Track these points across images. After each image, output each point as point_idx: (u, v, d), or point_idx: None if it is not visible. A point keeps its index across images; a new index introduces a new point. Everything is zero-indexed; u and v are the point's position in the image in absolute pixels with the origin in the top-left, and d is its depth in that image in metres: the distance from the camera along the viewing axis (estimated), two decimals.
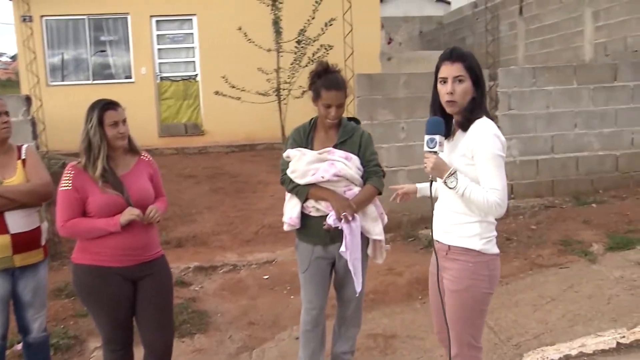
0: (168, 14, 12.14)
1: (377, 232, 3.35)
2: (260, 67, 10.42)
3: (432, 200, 2.78)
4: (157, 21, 12.16)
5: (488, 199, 2.45)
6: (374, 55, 11.59)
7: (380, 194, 3.35)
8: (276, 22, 10.53)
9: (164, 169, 10.39)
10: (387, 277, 5.13)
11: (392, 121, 6.31)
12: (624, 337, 3.81)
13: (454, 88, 2.53)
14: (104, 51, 12.25)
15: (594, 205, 6.53)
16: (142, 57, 12.11)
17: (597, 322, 4.07)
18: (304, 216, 3.30)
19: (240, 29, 10.47)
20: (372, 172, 3.32)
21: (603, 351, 3.70)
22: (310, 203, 3.26)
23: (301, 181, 3.22)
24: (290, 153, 3.29)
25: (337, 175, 3.19)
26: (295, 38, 10.35)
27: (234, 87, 10.56)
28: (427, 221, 6.42)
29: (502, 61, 13.01)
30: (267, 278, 5.51)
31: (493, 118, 2.67)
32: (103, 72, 12.27)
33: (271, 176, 9.06)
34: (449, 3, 27.13)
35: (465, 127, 2.58)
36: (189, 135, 12.25)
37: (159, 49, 12.27)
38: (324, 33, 10.27)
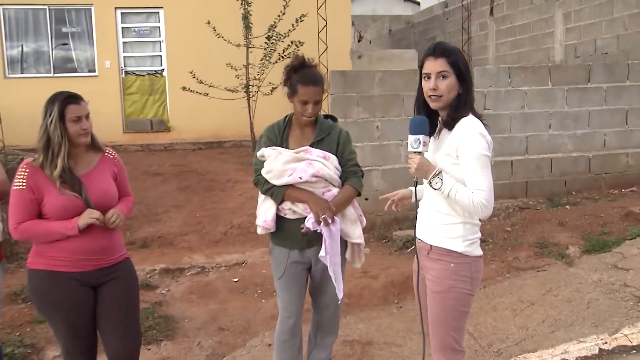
0: (134, 6, 11.74)
1: (356, 235, 3.21)
2: (229, 62, 10.21)
3: (416, 201, 2.72)
4: (122, 13, 11.76)
5: (473, 200, 2.38)
6: (345, 53, 11.44)
7: (359, 195, 3.20)
8: (246, 17, 10.33)
9: (129, 166, 9.92)
10: (362, 280, 4.98)
11: (367, 120, 6.16)
12: (605, 342, 3.72)
13: (437, 84, 2.44)
14: (66, 44, 11.78)
15: (567, 206, 6.49)
16: (106, 50, 11.69)
17: (578, 327, 3.98)
18: (279, 219, 3.13)
19: (209, 23, 10.22)
20: (350, 173, 3.17)
21: (586, 358, 3.60)
22: (287, 205, 3.09)
23: (277, 182, 3.05)
24: (265, 152, 3.10)
25: (316, 176, 3.03)
26: (266, 34, 10.16)
27: (201, 82, 10.31)
28: (401, 222, 6.29)
29: (472, 61, 13.03)
30: (237, 281, 5.30)
31: (480, 116, 2.55)
32: (65, 66, 11.79)
33: (240, 174, 8.84)
34: (418, 3, 27.32)
35: (450, 125, 2.50)
36: (154, 132, 11.91)
37: (124, 42, 11.86)
38: (294, 29, 10.11)
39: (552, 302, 4.37)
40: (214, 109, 10.99)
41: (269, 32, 10.16)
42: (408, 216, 6.31)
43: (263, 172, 3.08)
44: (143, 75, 12.00)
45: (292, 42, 10.05)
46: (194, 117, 11.59)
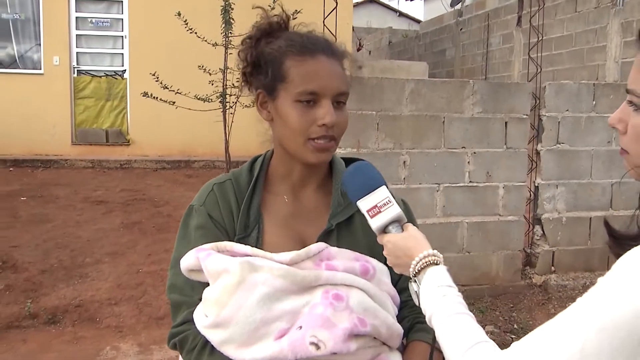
0: None
1: None
2: (201, 65, 8.28)
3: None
4: (78, 0, 9.71)
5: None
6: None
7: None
8: (226, 11, 8.40)
9: (69, 189, 8.03)
10: None
11: (390, 151, 4.13)
12: None
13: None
14: (6, 33, 9.70)
15: None
16: (55, 43, 9.61)
17: None
18: None
19: (179, 14, 8.28)
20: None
21: None
22: None
23: (246, 354, 1.08)
24: (208, 265, 1.14)
25: (357, 335, 1.09)
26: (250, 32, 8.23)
27: (166, 87, 8.34)
28: None
29: (490, 79, 11.19)
30: None
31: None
32: (3, 60, 9.70)
33: None
34: (416, 20, 26.03)
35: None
36: (110, 145, 9.86)
37: (78, 35, 9.80)
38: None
39: None
40: (184, 121, 9.01)
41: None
42: None
43: (200, 323, 1.13)
44: (100, 77, 9.94)
45: None
46: (159, 129, 9.60)
